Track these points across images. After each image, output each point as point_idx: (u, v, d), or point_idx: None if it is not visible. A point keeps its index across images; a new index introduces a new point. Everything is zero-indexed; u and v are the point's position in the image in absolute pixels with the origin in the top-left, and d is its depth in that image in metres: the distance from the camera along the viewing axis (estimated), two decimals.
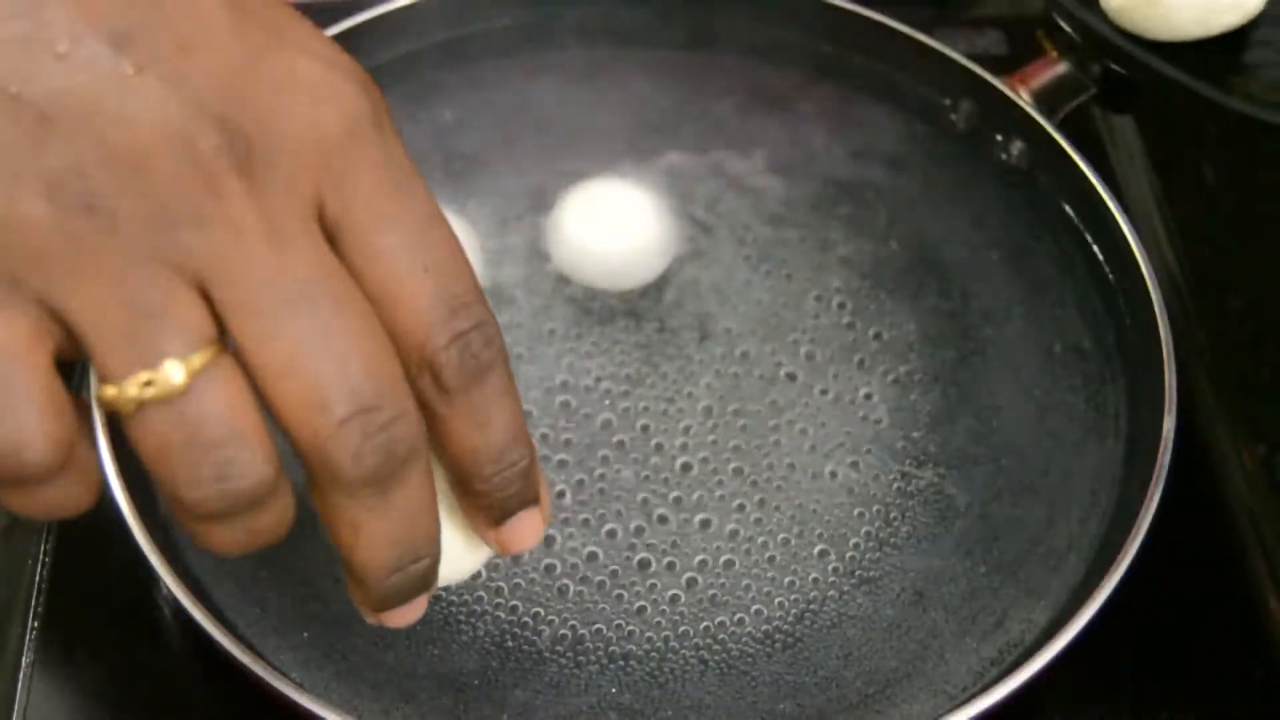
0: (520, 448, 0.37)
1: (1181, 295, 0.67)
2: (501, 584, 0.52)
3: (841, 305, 0.61)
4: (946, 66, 0.65)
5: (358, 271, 0.34)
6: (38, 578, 0.55)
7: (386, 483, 0.34)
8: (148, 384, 0.32)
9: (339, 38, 0.64)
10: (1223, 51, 0.50)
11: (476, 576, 0.52)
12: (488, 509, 0.38)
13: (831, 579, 0.53)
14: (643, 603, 0.52)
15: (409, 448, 0.33)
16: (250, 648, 0.47)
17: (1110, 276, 0.60)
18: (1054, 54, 0.63)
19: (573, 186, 0.62)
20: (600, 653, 0.51)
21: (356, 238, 0.34)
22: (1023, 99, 0.62)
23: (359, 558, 0.36)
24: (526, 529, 0.38)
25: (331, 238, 0.34)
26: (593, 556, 0.53)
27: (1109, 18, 0.50)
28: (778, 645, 0.52)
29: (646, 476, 0.56)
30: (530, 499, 0.38)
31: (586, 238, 0.60)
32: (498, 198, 0.63)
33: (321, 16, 0.65)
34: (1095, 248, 0.61)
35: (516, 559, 0.53)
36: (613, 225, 0.61)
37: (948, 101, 0.65)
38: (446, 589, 0.52)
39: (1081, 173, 0.60)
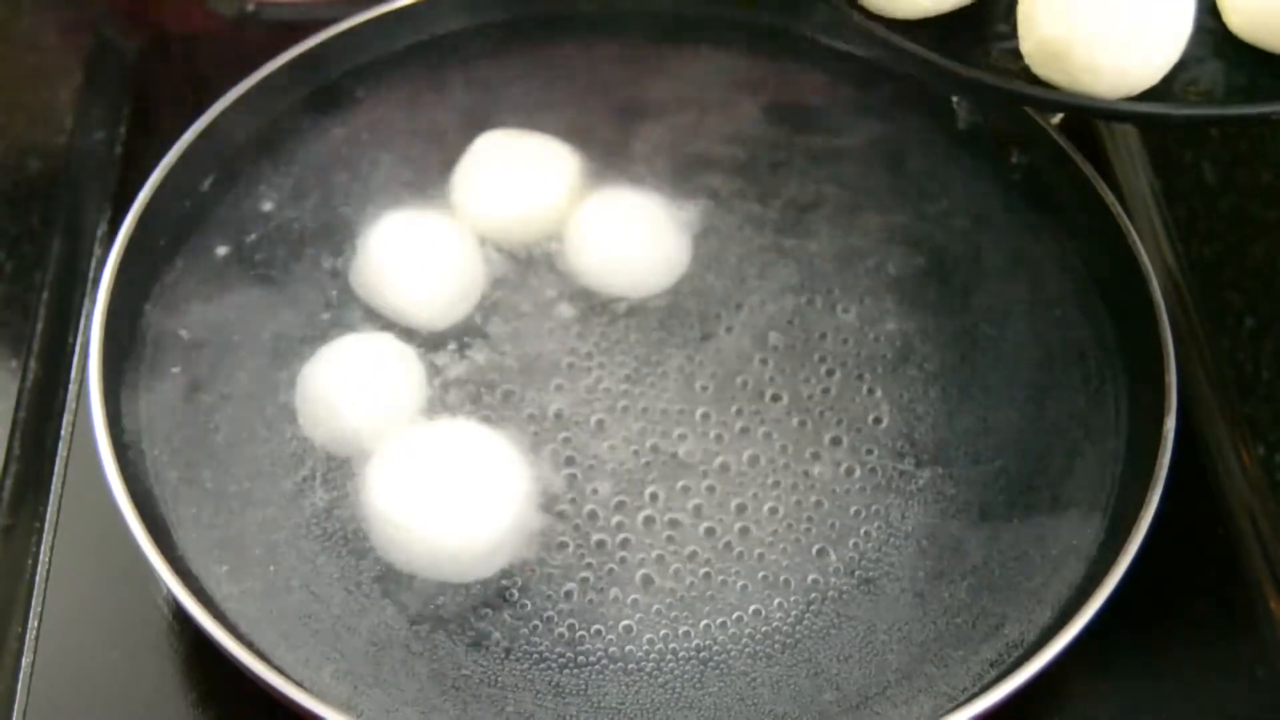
0: None
1: (1181, 295, 0.67)
2: (502, 584, 0.52)
3: (844, 307, 0.61)
4: None
5: None
6: (38, 578, 0.55)
7: None
8: None
9: (340, 36, 0.65)
10: (963, 26, 0.52)
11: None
12: None
13: (832, 579, 0.53)
14: (643, 603, 0.52)
15: None
16: (250, 647, 0.48)
17: (1110, 276, 0.60)
18: None
19: (583, 191, 0.62)
20: (600, 653, 0.51)
21: None
22: None
23: None
24: None
25: None
26: (593, 557, 0.53)
27: (861, 5, 0.53)
28: (778, 645, 0.52)
29: (646, 477, 0.56)
30: None
31: (602, 245, 0.60)
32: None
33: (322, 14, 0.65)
34: (1095, 248, 0.61)
35: (516, 560, 0.53)
36: (630, 233, 0.60)
37: (948, 102, 0.65)
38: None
39: (1081, 173, 0.60)
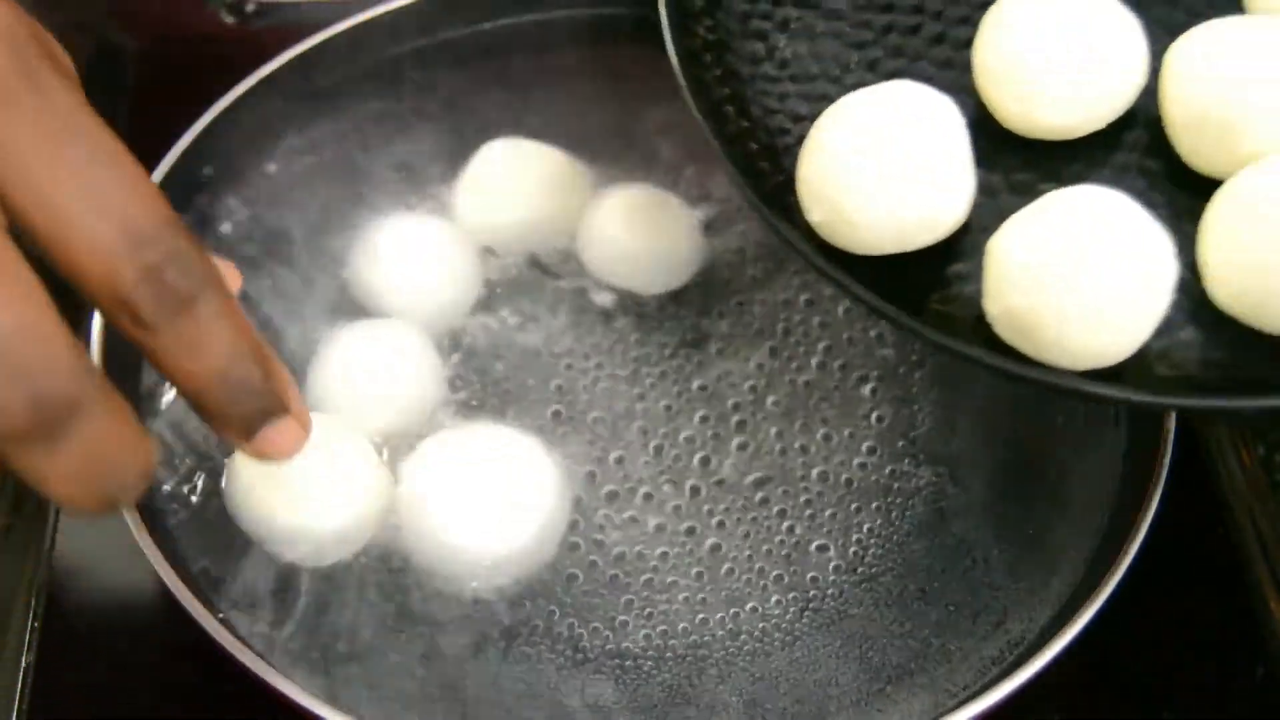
0: (244, 366, 0.36)
1: None
2: (502, 585, 0.52)
3: (845, 306, 0.61)
4: None
5: (33, 229, 0.33)
6: (37, 578, 0.55)
7: (182, 310, 0.34)
8: None
9: (341, 36, 0.65)
10: (921, 261, 0.46)
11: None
12: (228, 427, 0.37)
13: (831, 577, 0.53)
14: (642, 601, 0.52)
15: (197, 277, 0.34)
16: (250, 648, 0.47)
17: None
18: None
19: (589, 200, 0.62)
20: (600, 651, 0.51)
21: (22, 196, 0.33)
22: None
23: (186, 386, 0.36)
24: (278, 439, 0.38)
25: (4, 206, 0.33)
26: (591, 556, 0.53)
27: (814, 230, 0.46)
28: (777, 643, 0.52)
29: (644, 475, 0.56)
30: (273, 410, 0.38)
31: (607, 247, 0.60)
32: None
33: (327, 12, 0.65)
34: None
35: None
36: (649, 229, 0.60)
37: None
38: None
39: None
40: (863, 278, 0.46)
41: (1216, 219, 0.43)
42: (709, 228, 0.62)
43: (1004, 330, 0.43)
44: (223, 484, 0.53)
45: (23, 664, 0.53)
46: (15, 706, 0.52)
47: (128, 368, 0.56)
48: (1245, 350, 0.43)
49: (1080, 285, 0.41)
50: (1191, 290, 0.44)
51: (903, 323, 0.45)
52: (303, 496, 0.51)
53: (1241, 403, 0.43)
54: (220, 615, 0.49)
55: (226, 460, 0.53)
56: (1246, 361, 0.43)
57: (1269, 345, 0.43)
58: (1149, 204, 0.43)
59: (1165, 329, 0.43)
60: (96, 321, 0.54)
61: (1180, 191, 0.46)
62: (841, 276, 0.46)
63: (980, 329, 0.44)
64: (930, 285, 0.46)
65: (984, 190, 0.47)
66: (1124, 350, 0.43)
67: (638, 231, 0.60)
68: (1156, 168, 0.47)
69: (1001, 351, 0.44)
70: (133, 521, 0.49)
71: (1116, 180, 0.46)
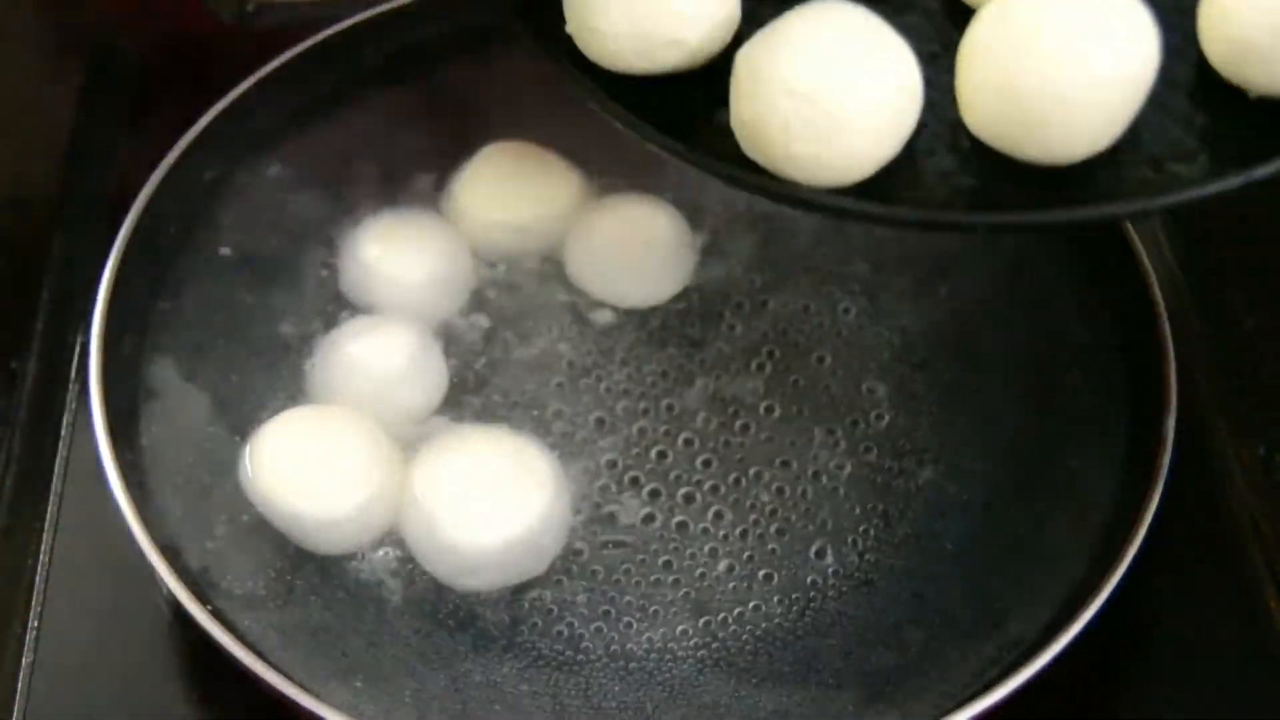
0: None
1: (1181, 295, 0.67)
2: (502, 584, 0.52)
3: (844, 307, 0.61)
4: None
5: None
6: (38, 578, 0.55)
7: None
8: None
9: (341, 36, 0.65)
10: (697, 82, 0.45)
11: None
12: None
13: (831, 579, 0.53)
14: (642, 601, 0.52)
15: None
16: (250, 648, 0.48)
17: (1110, 276, 0.60)
18: None
19: (586, 205, 0.62)
20: (600, 652, 0.51)
21: None
22: None
23: None
24: None
25: None
26: (591, 556, 0.53)
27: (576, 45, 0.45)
28: (778, 644, 0.52)
29: (646, 477, 0.56)
30: None
31: (607, 254, 0.60)
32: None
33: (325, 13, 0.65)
34: (1096, 248, 0.61)
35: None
36: (635, 243, 0.60)
37: None
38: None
39: None
40: (632, 99, 0.45)
41: (969, 44, 0.42)
42: (709, 231, 0.62)
43: (746, 145, 0.43)
44: (240, 470, 0.53)
45: (22, 664, 0.53)
46: (15, 707, 0.52)
47: (126, 365, 0.56)
48: (995, 178, 0.42)
49: (800, 95, 0.40)
50: (951, 121, 0.43)
51: (636, 128, 0.44)
52: (321, 483, 0.51)
53: (977, 218, 0.43)
54: (220, 615, 0.49)
55: (246, 446, 0.53)
56: (994, 188, 0.42)
57: (1019, 172, 0.42)
58: (923, 38, 0.43)
59: (922, 154, 0.43)
60: (97, 321, 0.54)
61: (956, 29, 0.45)
62: (591, 88, 0.45)
63: (737, 151, 0.43)
64: (701, 109, 0.45)
65: (755, 21, 0.45)
66: (858, 168, 0.42)
67: (626, 246, 0.60)
68: (936, 6, 0.47)
69: (753, 170, 0.43)
70: (133, 522, 0.49)
71: (894, 15, 0.44)
